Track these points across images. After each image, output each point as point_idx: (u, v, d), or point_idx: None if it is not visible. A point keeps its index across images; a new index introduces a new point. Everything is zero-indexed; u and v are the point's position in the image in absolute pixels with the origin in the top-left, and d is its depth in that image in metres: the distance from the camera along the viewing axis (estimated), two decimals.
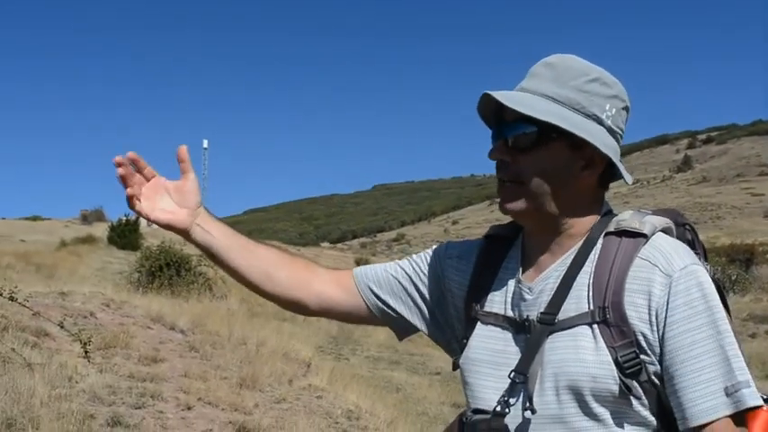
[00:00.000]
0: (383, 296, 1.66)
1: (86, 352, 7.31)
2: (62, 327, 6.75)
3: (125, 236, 34.16)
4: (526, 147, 1.41)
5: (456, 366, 1.57)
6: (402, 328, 1.71)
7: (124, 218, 36.46)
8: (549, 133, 1.39)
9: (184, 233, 1.63)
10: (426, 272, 1.65)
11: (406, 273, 1.67)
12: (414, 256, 1.71)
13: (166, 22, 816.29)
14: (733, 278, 27.60)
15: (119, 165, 1.54)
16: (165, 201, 1.61)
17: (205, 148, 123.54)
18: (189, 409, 6.55)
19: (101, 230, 38.47)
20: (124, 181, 1.57)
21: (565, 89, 1.41)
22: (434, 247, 1.70)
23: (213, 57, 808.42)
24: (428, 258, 1.67)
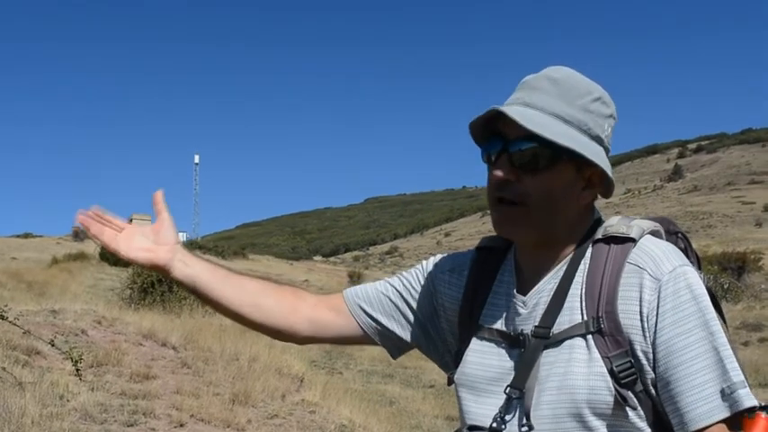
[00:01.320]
0: (375, 315, 1.63)
1: (78, 370, 7.26)
2: (53, 345, 6.71)
3: None
4: (533, 166, 1.38)
5: (451, 382, 1.54)
6: (396, 347, 1.68)
7: None
8: (559, 155, 1.38)
9: (165, 270, 1.59)
10: (418, 288, 1.63)
11: (396, 290, 1.64)
12: (404, 272, 1.68)
13: (158, 35, 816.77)
14: (725, 286, 27.65)
15: (82, 222, 1.59)
16: (142, 240, 1.60)
17: (196, 163, 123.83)
18: (181, 426, 6.51)
19: (92, 247, 38.26)
20: (87, 228, 1.60)
21: (572, 109, 1.40)
22: (425, 261, 1.68)
23: (204, 71, 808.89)
24: (419, 274, 1.65)
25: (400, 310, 1.63)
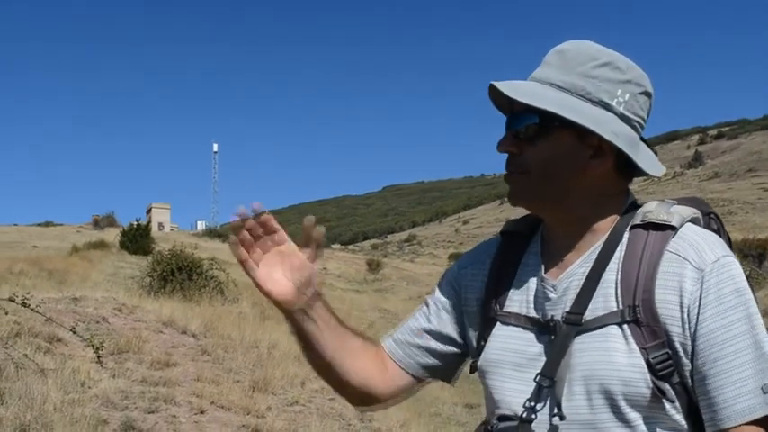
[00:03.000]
0: (426, 361, 1.57)
1: (99, 357, 7.32)
2: (74, 332, 6.78)
3: (136, 241, 34.18)
4: (531, 137, 1.36)
5: (474, 369, 1.49)
6: (448, 373, 1.61)
7: (135, 222, 36.55)
8: (551, 122, 1.34)
9: (285, 311, 1.45)
10: (445, 305, 1.56)
11: (429, 326, 1.57)
12: (428, 299, 1.60)
13: (176, 29, 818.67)
14: (746, 274, 27.35)
15: (240, 223, 1.39)
16: (281, 272, 1.43)
17: (215, 152, 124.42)
18: (202, 413, 6.56)
19: (112, 235, 38.54)
20: (242, 242, 1.40)
21: (570, 75, 1.36)
22: (444, 275, 1.62)
23: (223, 61, 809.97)
24: (442, 291, 1.58)
25: (441, 337, 1.56)
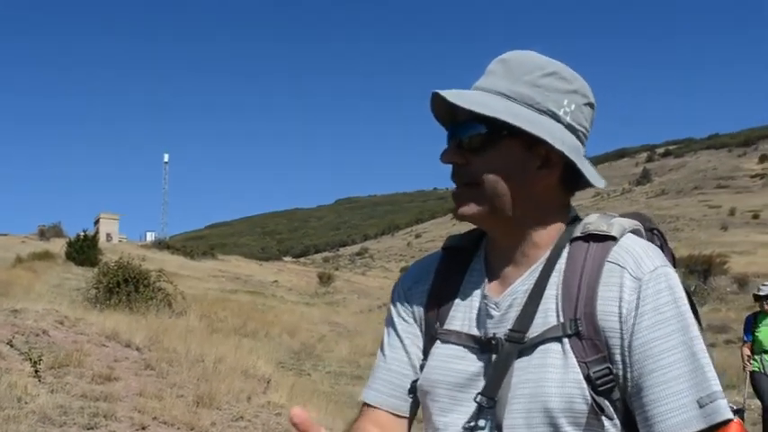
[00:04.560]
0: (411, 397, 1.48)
1: (37, 371, 7.13)
2: (11, 345, 6.58)
3: (83, 252, 33.69)
4: (478, 147, 1.31)
5: (413, 390, 1.43)
6: None
7: (83, 233, 35.99)
8: (499, 131, 1.29)
9: None
10: (409, 331, 1.48)
11: (407, 360, 1.48)
12: (388, 334, 1.51)
13: (123, 33, 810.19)
14: (692, 289, 27.85)
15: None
16: None
17: (166, 162, 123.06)
18: (143, 429, 6.40)
19: (59, 246, 37.91)
20: None
21: (517, 84, 1.32)
22: (391, 299, 1.54)
23: (173, 68, 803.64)
24: (399, 318, 1.50)
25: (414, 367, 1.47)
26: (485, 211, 1.33)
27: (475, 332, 1.36)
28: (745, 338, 8.78)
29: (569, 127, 1.34)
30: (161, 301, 18.08)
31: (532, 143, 1.30)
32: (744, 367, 8.67)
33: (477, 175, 1.32)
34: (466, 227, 1.44)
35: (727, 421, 1.20)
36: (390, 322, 1.51)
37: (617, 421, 1.26)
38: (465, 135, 1.33)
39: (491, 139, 1.30)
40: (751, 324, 8.73)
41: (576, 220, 1.38)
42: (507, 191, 1.31)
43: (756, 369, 8.47)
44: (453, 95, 1.30)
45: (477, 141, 1.31)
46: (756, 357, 8.52)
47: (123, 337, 9.74)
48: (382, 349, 1.50)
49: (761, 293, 8.60)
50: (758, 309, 8.71)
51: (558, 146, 1.29)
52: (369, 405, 1.47)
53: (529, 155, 1.31)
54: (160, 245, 59.16)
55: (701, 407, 1.20)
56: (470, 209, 1.33)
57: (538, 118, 1.31)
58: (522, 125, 1.28)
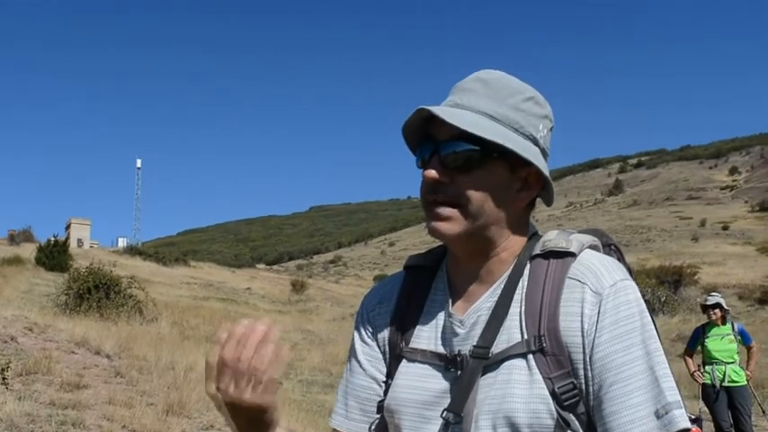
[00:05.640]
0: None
1: (4, 378, 7.04)
2: None
3: (54, 257, 33.30)
4: (465, 167, 1.32)
5: (380, 410, 1.44)
6: None
7: (53, 238, 35.60)
8: (490, 153, 1.32)
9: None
10: (373, 354, 1.48)
11: (375, 382, 1.48)
12: (354, 357, 1.51)
13: (96, 38, 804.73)
14: (662, 299, 28.21)
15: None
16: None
17: (138, 168, 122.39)
18: None
19: (29, 251, 37.42)
20: None
21: (502, 107, 1.35)
22: (354, 325, 1.54)
23: (145, 73, 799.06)
24: (363, 341, 1.51)
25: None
26: (467, 232, 1.34)
27: (441, 350, 1.37)
28: (689, 347, 8.92)
29: (543, 151, 1.38)
30: (132, 308, 17.92)
31: (516, 166, 1.33)
32: (693, 376, 8.75)
33: (462, 194, 1.32)
34: (435, 240, 1.44)
35: (684, 431, 1.23)
36: (352, 348, 1.52)
37: None
38: (452, 152, 1.33)
39: (482, 160, 1.32)
40: (699, 335, 8.87)
41: (535, 235, 1.41)
42: (491, 211, 1.33)
43: (708, 381, 8.57)
44: (447, 114, 1.31)
45: (466, 161, 1.32)
46: (707, 369, 8.65)
47: (93, 344, 9.64)
48: (346, 375, 1.51)
49: (708, 303, 8.80)
50: (707, 320, 8.87)
51: (545, 171, 1.34)
52: (336, 430, 1.48)
53: (512, 177, 1.34)
54: (132, 251, 58.65)
55: (657, 418, 1.22)
56: (452, 227, 1.34)
57: (523, 142, 1.34)
58: (516, 149, 1.31)
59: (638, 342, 1.26)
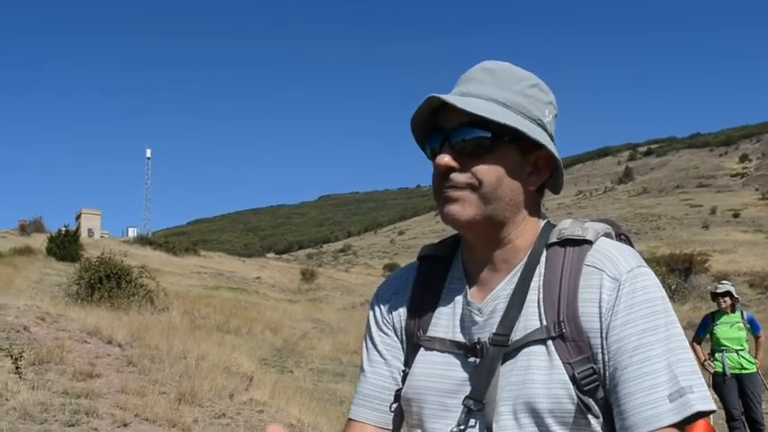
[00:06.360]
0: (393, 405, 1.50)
1: (17, 367, 7.09)
2: None
3: (64, 247, 33.42)
4: (477, 152, 1.33)
5: (397, 398, 1.45)
6: None
7: (64, 228, 35.74)
8: (501, 137, 1.33)
9: None
10: (391, 345, 1.50)
11: (383, 369, 1.50)
12: (368, 349, 1.53)
13: (106, 29, 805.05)
14: (672, 287, 28.15)
15: None
16: None
17: (148, 158, 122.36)
18: (125, 425, 6.37)
19: (39, 241, 37.60)
20: None
21: (510, 93, 1.36)
22: (369, 312, 1.56)
23: (157, 64, 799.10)
24: (373, 330, 1.53)
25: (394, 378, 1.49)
26: (481, 216, 1.35)
27: (459, 338, 1.39)
28: (697, 334, 8.92)
29: (550, 136, 1.40)
30: (143, 298, 17.97)
31: (527, 150, 1.35)
32: (704, 365, 8.74)
33: (476, 180, 1.33)
34: (448, 227, 1.43)
35: (697, 414, 1.23)
36: (369, 336, 1.54)
37: (602, 419, 1.29)
38: (462, 139, 1.34)
39: (494, 144, 1.33)
40: (709, 322, 8.88)
41: (548, 223, 1.43)
42: (503, 194, 1.35)
43: (719, 370, 8.57)
44: (459, 101, 1.32)
45: (478, 146, 1.33)
46: (717, 356, 8.65)
47: (105, 334, 9.68)
48: (363, 365, 1.52)
49: (718, 291, 8.79)
50: (716, 307, 8.87)
51: (556, 154, 1.37)
52: (354, 420, 1.50)
53: (523, 160, 1.36)
54: (142, 240, 58.78)
55: (671, 401, 1.23)
56: (466, 211, 1.35)
57: (530, 125, 1.36)
58: (528, 132, 1.32)
59: (654, 327, 1.27)
